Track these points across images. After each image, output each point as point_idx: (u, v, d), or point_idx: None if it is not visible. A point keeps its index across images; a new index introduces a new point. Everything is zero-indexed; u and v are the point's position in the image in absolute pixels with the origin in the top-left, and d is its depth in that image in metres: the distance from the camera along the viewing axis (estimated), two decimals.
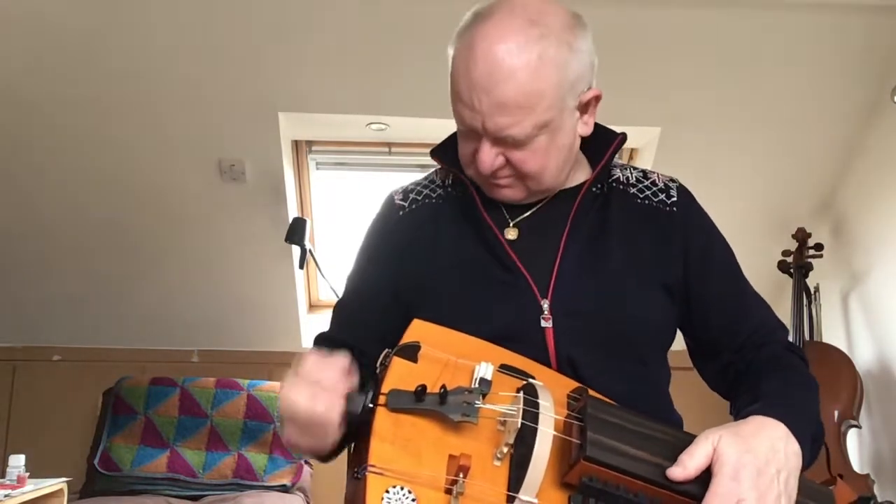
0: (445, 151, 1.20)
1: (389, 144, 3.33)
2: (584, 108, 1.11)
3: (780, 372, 1.08)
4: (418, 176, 1.30)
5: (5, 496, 2.36)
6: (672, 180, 1.21)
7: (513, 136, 1.04)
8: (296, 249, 3.10)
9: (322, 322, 3.61)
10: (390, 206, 1.23)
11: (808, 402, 1.04)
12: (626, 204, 1.17)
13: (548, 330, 1.07)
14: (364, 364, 1.04)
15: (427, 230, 1.17)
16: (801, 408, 1.01)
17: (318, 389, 0.92)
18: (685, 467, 0.89)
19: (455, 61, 1.07)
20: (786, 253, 3.14)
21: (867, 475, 2.70)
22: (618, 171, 1.21)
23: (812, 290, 3.10)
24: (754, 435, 0.92)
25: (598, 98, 1.12)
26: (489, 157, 1.07)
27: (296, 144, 3.26)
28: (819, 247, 3.07)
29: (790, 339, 3.20)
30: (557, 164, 1.10)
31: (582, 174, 1.18)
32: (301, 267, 3.07)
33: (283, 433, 0.97)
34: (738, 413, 1.03)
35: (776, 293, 3.28)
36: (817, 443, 1.02)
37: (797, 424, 0.95)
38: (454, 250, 1.14)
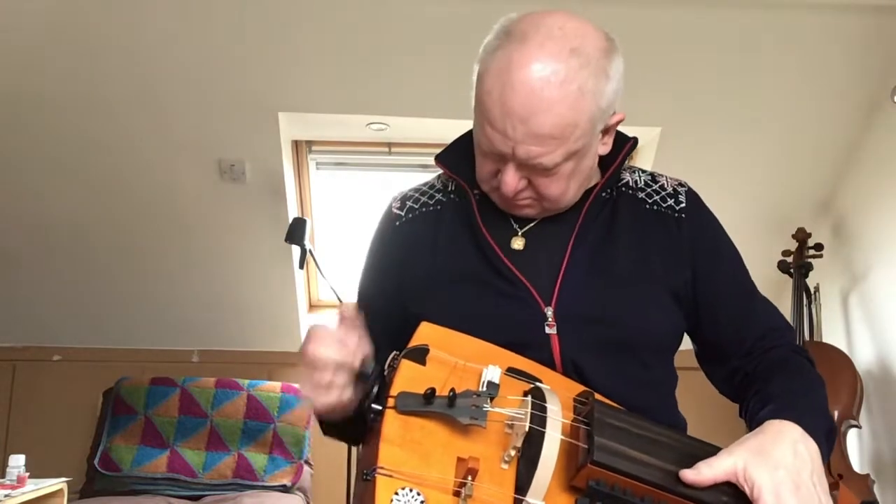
0: (450, 157, 1.19)
1: (389, 144, 3.33)
2: (606, 130, 1.10)
3: (787, 374, 1.09)
4: (418, 176, 1.29)
5: (5, 496, 2.36)
6: (681, 184, 1.21)
7: (543, 164, 1.03)
8: (296, 249, 3.10)
9: (322, 322, 3.60)
10: (388, 216, 1.23)
11: (818, 400, 1.05)
12: (635, 209, 1.16)
13: (552, 336, 1.06)
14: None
15: (425, 240, 1.16)
16: (812, 406, 1.01)
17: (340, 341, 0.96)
18: (699, 473, 0.89)
19: (485, 82, 1.02)
20: (786, 253, 3.14)
21: (867, 475, 2.71)
22: (627, 174, 1.20)
23: (812, 290, 3.10)
24: (775, 445, 0.92)
25: (620, 121, 1.11)
26: (514, 180, 1.06)
27: (296, 144, 3.25)
28: (819, 247, 3.08)
29: None
30: (577, 186, 1.10)
31: (592, 178, 1.17)
32: (301, 267, 3.06)
33: (302, 385, 0.99)
34: (751, 419, 1.03)
35: (776, 293, 3.28)
36: (831, 437, 1.02)
37: (810, 423, 0.96)
38: (454, 261, 1.13)
